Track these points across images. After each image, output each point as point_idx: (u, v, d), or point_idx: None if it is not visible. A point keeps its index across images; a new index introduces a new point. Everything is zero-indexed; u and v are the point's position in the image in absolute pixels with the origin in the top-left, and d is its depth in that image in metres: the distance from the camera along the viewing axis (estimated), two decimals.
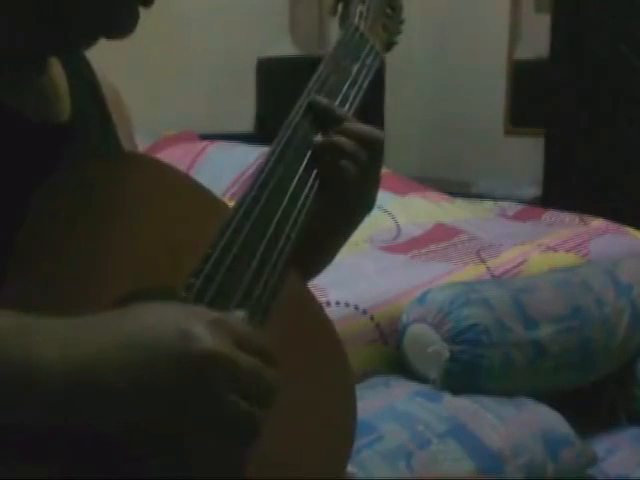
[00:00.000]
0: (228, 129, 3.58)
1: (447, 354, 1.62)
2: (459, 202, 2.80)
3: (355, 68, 0.94)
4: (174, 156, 2.86)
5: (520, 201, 3.05)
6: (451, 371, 1.63)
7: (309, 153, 0.85)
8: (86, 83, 0.91)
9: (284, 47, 4.02)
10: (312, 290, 0.89)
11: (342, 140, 0.85)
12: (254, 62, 3.92)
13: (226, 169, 2.77)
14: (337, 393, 0.84)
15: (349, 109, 0.90)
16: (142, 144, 2.21)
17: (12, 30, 0.78)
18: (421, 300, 1.72)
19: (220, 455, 0.68)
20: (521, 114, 4.17)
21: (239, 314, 0.70)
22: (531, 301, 1.78)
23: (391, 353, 1.73)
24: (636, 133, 3.43)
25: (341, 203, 0.88)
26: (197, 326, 0.65)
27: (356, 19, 0.99)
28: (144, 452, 0.68)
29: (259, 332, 0.72)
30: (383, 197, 2.03)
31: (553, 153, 3.70)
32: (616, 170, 3.48)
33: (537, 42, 3.88)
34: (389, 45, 1.04)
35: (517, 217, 2.69)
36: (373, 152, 0.87)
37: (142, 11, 0.79)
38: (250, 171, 2.68)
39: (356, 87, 0.92)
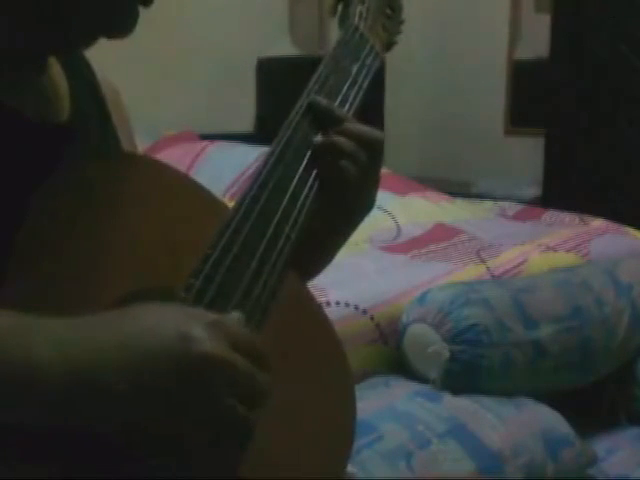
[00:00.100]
0: (228, 129, 3.58)
1: (447, 354, 1.62)
2: (459, 202, 2.80)
3: (355, 68, 0.94)
4: (174, 156, 2.86)
5: (520, 201, 3.05)
6: (451, 371, 1.63)
7: (309, 153, 0.85)
8: (86, 83, 0.91)
9: (284, 47, 4.02)
10: (312, 290, 0.89)
11: (342, 140, 0.85)
12: (254, 62, 3.92)
13: (226, 169, 2.77)
14: (337, 393, 0.84)
15: (349, 109, 0.90)
16: (142, 144, 2.22)
17: (12, 30, 0.78)
18: (421, 300, 1.72)
19: (217, 455, 0.68)
20: (521, 114, 4.17)
21: (236, 316, 0.70)
22: (531, 301, 1.78)
23: (391, 353, 1.73)
24: (636, 133, 3.43)
25: (341, 203, 0.88)
26: (196, 328, 0.65)
27: (356, 19, 0.99)
28: (143, 452, 0.68)
29: (255, 335, 0.72)
30: (383, 197, 2.03)
31: (553, 153, 3.70)
32: (616, 170, 3.49)
33: (537, 42, 3.89)
34: (389, 45, 1.04)
35: (517, 217, 2.69)
36: (373, 152, 0.87)
37: (142, 11, 0.79)
38: (250, 171, 2.68)
39: (356, 87, 0.92)
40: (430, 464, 1.46)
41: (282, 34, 4.05)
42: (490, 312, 1.68)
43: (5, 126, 0.76)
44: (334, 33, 1.01)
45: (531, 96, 4.03)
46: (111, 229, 0.77)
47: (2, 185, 0.74)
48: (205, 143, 3.09)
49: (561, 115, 3.65)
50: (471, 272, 1.96)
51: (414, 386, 1.65)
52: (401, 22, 1.06)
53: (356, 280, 1.86)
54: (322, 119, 0.87)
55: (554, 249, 2.14)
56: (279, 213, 0.80)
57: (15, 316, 0.66)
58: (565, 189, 3.61)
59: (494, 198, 3.08)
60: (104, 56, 0.93)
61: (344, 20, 1.00)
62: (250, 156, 2.76)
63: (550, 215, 2.66)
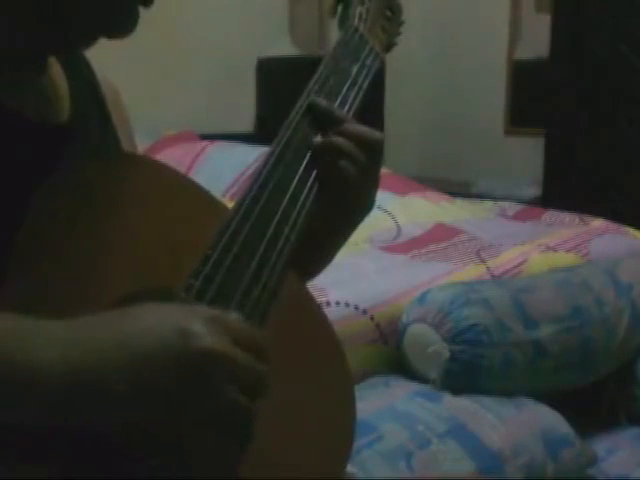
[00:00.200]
0: (228, 129, 3.58)
1: (447, 354, 1.62)
2: (459, 202, 2.80)
3: (355, 69, 0.94)
4: (174, 156, 2.86)
5: (520, 201, 3.05)
6: (451, 371, 1.63)
7: (309, 154, 0.85)
8: (86, 83, 0.91)
9: (284, 47, 4.02)
10: (311, 290, 0.89)
11: (341, 141, 0.85)
12: (254, 62, 3.92)
13: (226, 169, 2.77)
14: (336, 393, 0.84)
15: (349, 110, 0.90)
16: (142, 144, 2.21)
17: (12, 30, 0.78)
18: (421, 300, 1.72)
19: (219, 453, 0.68)
20: (521, 114, 4.17)
21: (234, 314, 0.70)
22: (531, 301, 1.78)
23: (391, 353, 1.73)
24: (636, 133, 3.43)
25: (340, 204, 0.88)
26: (195, 324, 0.65)
27: (356, 20, 0.99)
28: (143, 452, 0.68)
29: (255, 329, 0.72)
30: (383, 197, 2.03)
31: (553, 153, 3.70)
32: (616, 170, 3.49)
33: (537, 42, 3.89)
34: (388, 47, 1.04)
35: (517, 217, 2.69)
36: (372, 153, 0.87)
37: (142, 11, 0.79)
38: (250, 171, 2.68)
39: (356, 88, 0.93)
40: (430, 464, 1.46)
41: (282, 34, 4.05)
42: (490, 312, 1.68)
43: (5, 126, 0.76)
44: (334, 33, 1.01)
45: (531, 96, 4.03)
46: (111, 229, 0.77)
47: (2, 185, 0.74)
48: (205, 143, 3.09)
49: (561, 115, 3.65)
50: (471, 272, 1.96)
51: (414, 386, 1.65)
52: (400, 23, 1.06)
53: (356, 280, 1.86)
54: (322, 120, 0.87)
55: (554, 249, 2.14)
56: (279, 213, 0.80)
57: (15, 319, 0.66)
58: (565, 189, 3.61)
59: (494, 198, 3.08)
60: (104, 56, 0.93)
61: (344, 21, 1.00)
62: (250, 156, 2.77)
63: (550, 215, 2.66)
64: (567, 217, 2.60)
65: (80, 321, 0.67)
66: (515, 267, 2.02)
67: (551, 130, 3.70)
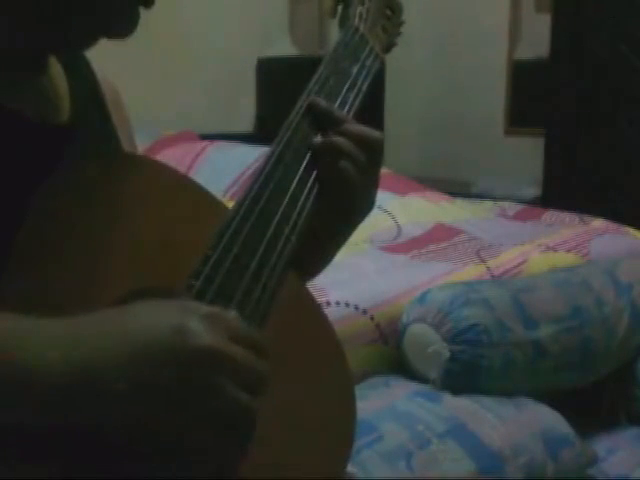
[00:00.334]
0: (228, 129, 3.58)
1: (447, 354, 1.62)
2: (459, 202, 2.80)
3: (355, 69, 0.94)
4: (174, 156, 2.86)
5: (520, 201, 3.05)
6: (451, 371, 1.63)
7: (309, 154, 0.85)
8: (86, 83, 0.91)
9: (284, 47, 4.02)
10: (312, 290, 0.89)
11: (341, 141, 0.85)
12: (254, 62, 3.92)
13: (226, 169, 2.77)
14: (336, 393, 0.84)
15: (349, 110, 0.90)
16: (142, 144, 2.22)
17: (12, 30, 0.78)
18: (421, 300, 1.72)
19: (219, 452, 0.68)
20: (521, 114, 4.17)
21: (233, 312, 0.70)
22: (531, 301, 1.78)
23: (391, 353, 1.73)
24: (636, 133, 3.43)
25: (340, 204, 0.88)
26: (193, 321, 0.65)
27: (356, 21, 0.99)
28: (144, 451, 0.68)
29: (252, 326, 0.72)
30: (383, 197, 2.03)
31: (553, 153, 3.70)
32: (616, 170, 3.49)
33: (537, 42, 3.89)
34: (389, 47, 1.04)
35: (517, 217, 2.69)
36: (372, 153, 0.87)
37: (142, 11, 0.79)
38: (250, 171, 2.68)
39: (356, 89, 0.93)
40: (430, 464, 1.46)
41: (282, 34, 4.05)
42: (490, 312, 1.68)
43: (5, 126, 0.76)
44: (334, 33, 1.01)
45: (531, 96, 4.03)
46: (111, 229, 0.77)
47: (2, 185, 0.74)
48: (205, 143, 3.09)
49: (561, 115, 3.65)
50: (471, 272, 1.96)
51: (414, 386, 1.65)
52: (401, 23, 1.06)
53: (356, 280, 1.86)
54: (322, 120, 0.87)
55: (554, 249, 2.14)
56: (279, 214, 0.80)
57: (15, 318, 0.66)
58: (565, 189, 3.61)
59: (494, 198, 3.08)
60: (104, 56, 0.93)
61: (344, 21, 1.00)
62: (250, 156, 2.76)
63: (550, 215, 2.66)
64: (567, 217, 2.60)
65: (79, 320, 0.67)
66: (515, 267, 2.02)
67: (551, 130, 3.70)
